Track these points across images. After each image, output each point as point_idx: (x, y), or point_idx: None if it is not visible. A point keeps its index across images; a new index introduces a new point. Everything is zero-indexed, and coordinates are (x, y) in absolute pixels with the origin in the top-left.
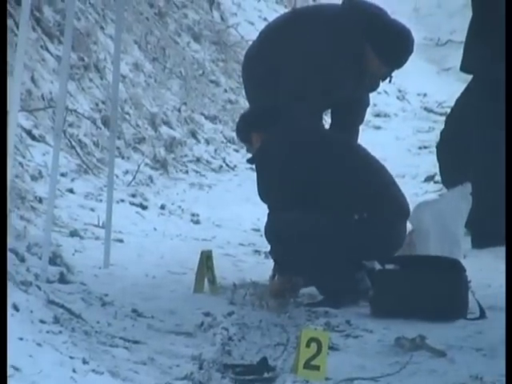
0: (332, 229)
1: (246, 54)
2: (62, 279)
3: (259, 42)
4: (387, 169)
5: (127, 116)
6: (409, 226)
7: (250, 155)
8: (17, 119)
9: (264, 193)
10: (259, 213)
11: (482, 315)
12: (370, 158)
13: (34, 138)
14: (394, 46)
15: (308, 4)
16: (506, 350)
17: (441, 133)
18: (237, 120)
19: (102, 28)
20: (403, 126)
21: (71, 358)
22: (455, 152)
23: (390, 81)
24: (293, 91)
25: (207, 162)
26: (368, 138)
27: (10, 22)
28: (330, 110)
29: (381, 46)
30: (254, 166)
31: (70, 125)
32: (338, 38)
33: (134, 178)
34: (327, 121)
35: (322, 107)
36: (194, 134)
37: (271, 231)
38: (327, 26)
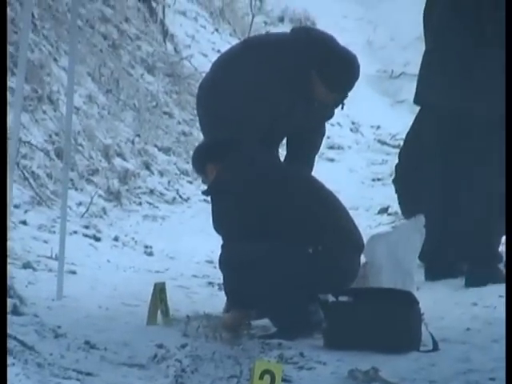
0: (286, 261)
1: (199, 86)
2: (15, 311)
3: (211, 72)
4: (341, 201)
5: (80, 148)
6: (362, 258)
7: (204, 187)
8: None
9: (219, 224)
10: (213, 245)
11: (435, 347)
12: (324, 191)
13: None
14: (338, 71)
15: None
16: (506, 353)
17: (395, 167)
18: (191, 152)
19: (55, 60)
20: (357, 159)
21: None
22: (411, 185)
23: (342, 108)
24: (242, 121)
25: (161, 193)
26: (322, 170)
27: None
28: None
29: (325, 72)
30: (208, 198)
31: (24, 156)
32: (283, 66)
33: (88, 209)
34: (282, 153)
35: (273, 137)
36: (147, 166)
37: (225, 262)
38: (274, 54)
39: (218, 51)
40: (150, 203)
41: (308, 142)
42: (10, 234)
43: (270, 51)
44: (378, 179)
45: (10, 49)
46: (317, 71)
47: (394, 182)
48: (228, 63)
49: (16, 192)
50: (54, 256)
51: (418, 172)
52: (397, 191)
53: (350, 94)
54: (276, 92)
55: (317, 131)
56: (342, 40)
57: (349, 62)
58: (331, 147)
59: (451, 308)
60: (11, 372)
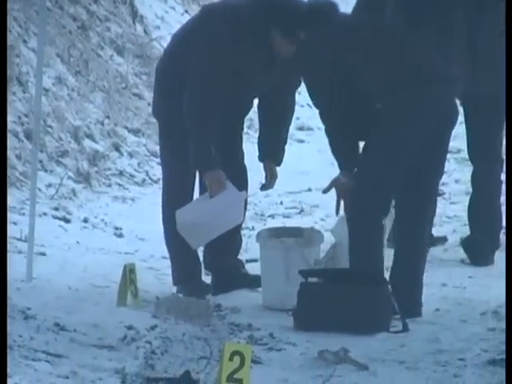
0: None
1: (160, 59)
2: None
3: (171, 43)
4: None
5: (50, 129)
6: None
7: None
8: None
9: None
10: None
11: (405, 328)
12: None
13: None
14: (295, 19)
15: None
16: (507, 352)
17: None
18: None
19: (24, 41)
20: (326, 140)
21: None
22: None
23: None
24: (204, 83)
25: (130, 175)
26: (291, 151)
27: None
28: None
29: (283, 23)
30: None
31: None
32: (238, 27)
33: (57, 191)
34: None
35: (241, 100)
36: (117, 148)
37: None
38: (229, 17)
39: None
40: (119, 185)
41: (278, 114)
42: None
43: (224, 15)
44: None
45: None
46: (276, 24)
47: None
48: (185, 31)
49: None
50: (23, 238)
51: None
52: None
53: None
54: (235, 52)
55: (285, 102)
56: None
57: (302, 7)
58: (301, 128)
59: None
60: None
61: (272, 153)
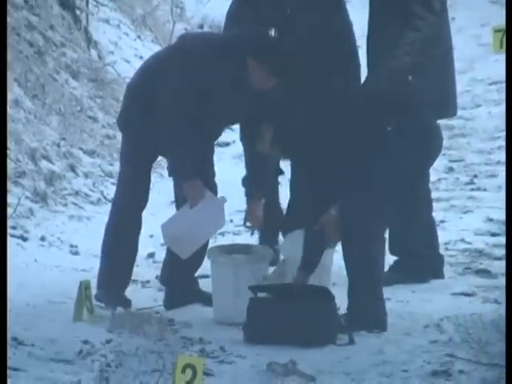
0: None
1: (133, 76)
2: None
3: (147, 61)
4: None
5: (8, 151)
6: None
7: None
8: None
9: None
10: None
11: (351, 341)
12: None
13: None
14: (276, 53)
15: None
16: (507, 353)
17: None
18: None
19: None
20: None
21: None
22: None
23: None
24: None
25: (86, 194)
26: (241, 170)
27: None
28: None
29: (263, 54)
30: None
31: None
32: (214, 53)
33: (15, 210)
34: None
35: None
36: (72, 168)
37: None
38: (206, 44)
39: (141, 57)
40: (75, 204)
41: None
42: None
43: (206, 40)
44: None
45: None
46: (253, 55)
47: None
48: (163, 52)
49: None
50: None
51: None
52: None
53: None
54: (208, 75)
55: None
56: None
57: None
58: None
59: None
60: None
61: (256, 184)
